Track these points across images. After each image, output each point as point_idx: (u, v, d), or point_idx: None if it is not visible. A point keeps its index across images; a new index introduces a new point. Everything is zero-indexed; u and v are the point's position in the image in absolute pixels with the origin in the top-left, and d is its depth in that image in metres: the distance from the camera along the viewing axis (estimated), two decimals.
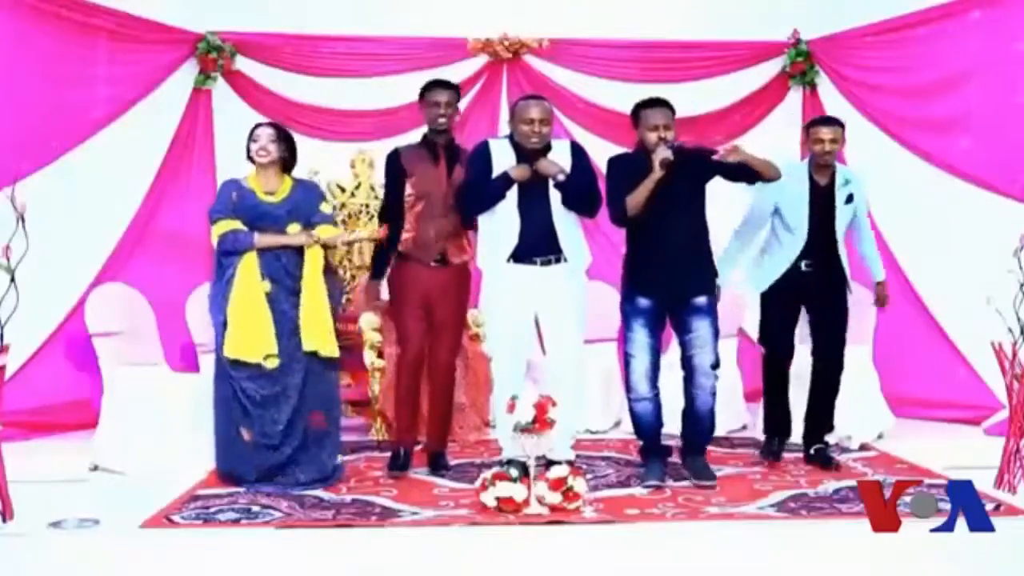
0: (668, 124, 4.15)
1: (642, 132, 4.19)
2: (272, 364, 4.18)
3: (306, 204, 4.33)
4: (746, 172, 4.17)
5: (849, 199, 4.61)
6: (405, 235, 4.43)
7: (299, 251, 4.25)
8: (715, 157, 4.09)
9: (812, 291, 4.59)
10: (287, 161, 4.36)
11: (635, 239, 4.27)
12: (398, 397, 4.56)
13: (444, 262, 4.42)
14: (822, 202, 4.56)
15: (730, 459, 4.69)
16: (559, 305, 4.28)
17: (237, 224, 4.21)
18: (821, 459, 4.60)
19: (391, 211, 4.49)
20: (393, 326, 4.70)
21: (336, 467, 4.34)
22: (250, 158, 4.31)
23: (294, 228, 4.27)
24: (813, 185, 4.57)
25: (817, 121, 4.74)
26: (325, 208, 4.40)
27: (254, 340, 4.15)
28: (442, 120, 4.43)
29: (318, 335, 4.20)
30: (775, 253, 4.66)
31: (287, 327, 4.20)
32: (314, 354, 4.23)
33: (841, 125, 4.66)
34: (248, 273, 4.19)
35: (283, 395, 4.20)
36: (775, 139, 6.02)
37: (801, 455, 4.71)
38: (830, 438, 4.82)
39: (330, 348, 4.25)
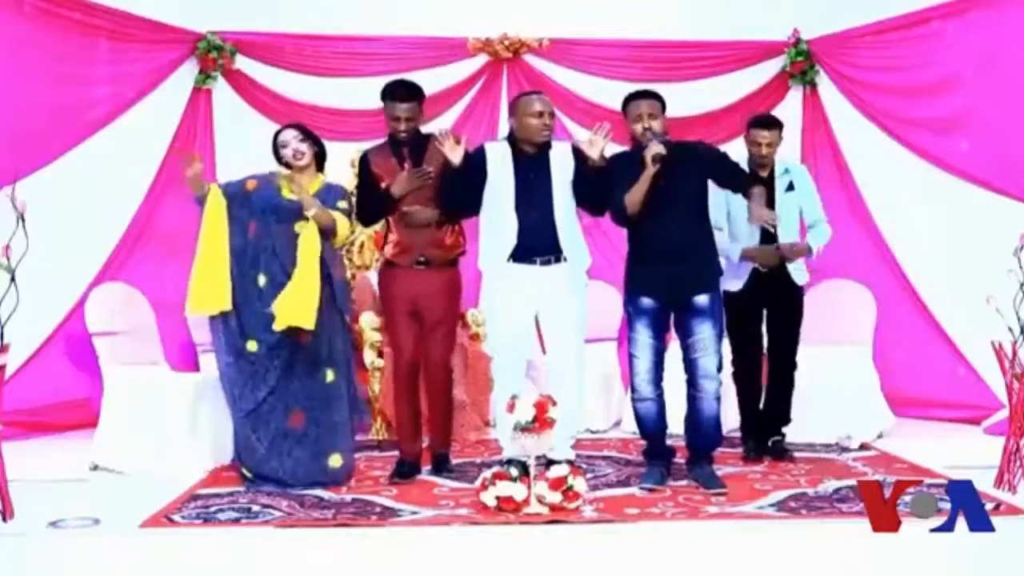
0: (653, 113, 4.12)
1: (630, 125, 4.19)
2: (252, 347, 4.19)
3: (325, 203, 4.31)
4: (735, 178, 4.16)
5: (790, 187, 4.63)
6: (389, 238, 4.44)
7: (295, 247, 4.22)
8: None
9: (768, 290, 4.62)
10: (318, 156, 4.38)
11: (635, 238, 4.24)
12: (397, 404, 4.53)
13: (427, 263, 4.39)
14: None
15: (730, 459, 4.68)
16: (559, 305, 4.27)
17: (214, 187, 4.28)
18: (777, 451, 4.69)
19: (368, 209, 4.47)
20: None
21: (337, 469, 4.28)
22: (285, 164, 4.31)
23: (303, 224, 4.26)
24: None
25: (757, 123, 4.67)
26: (341, 204, 4.37)
27: (210, 293, 4.18)
28: (403, 135, 4.37)
29: (292, 311, 4.06)
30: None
31: (270, 320, 4.16)
32: (301, 351, 4.20)
33: (780, 127, 4.65)
34: (211, 223, 4.21)
35: (252, 382, 4.20)
36: None
37: (800, 454, 4.73)
38: (830, 437, 4.88)
39: (306, 320, 4.07)
